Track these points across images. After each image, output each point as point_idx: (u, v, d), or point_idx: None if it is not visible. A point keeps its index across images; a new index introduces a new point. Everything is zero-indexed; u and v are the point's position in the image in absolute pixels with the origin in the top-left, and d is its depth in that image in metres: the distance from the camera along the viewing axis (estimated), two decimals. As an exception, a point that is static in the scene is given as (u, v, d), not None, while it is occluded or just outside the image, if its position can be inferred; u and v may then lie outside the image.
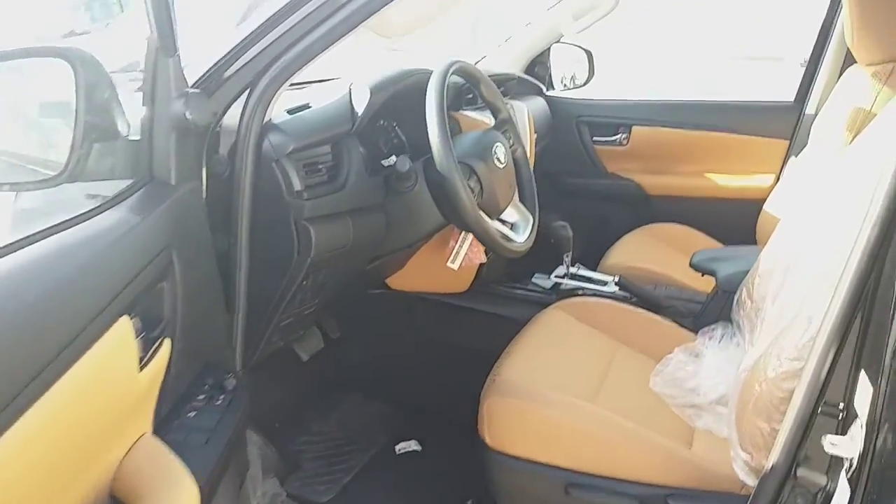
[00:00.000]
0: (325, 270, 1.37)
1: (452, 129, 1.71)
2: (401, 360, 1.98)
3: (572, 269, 2.02)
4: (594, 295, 1.89)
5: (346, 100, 1.38)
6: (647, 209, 2.58)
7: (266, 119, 1.22)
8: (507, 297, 1.96)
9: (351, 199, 1.35)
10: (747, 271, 1.59)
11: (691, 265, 1.78)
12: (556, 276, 1.99)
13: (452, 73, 1.42)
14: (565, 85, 2.76)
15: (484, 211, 1.42)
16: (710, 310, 1.75)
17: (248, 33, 1.16)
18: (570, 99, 2.64)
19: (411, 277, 1.86)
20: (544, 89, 2.54)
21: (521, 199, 1.62)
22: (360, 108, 1.37)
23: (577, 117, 2.59)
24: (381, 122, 1.60)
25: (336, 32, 1.16)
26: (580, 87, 2.70)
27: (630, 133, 2.54)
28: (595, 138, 2.60)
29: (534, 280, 2.01)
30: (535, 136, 2.17)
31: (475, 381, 1.41)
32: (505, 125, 1.60)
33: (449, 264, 1.73)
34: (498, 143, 1.47)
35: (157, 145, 0.98)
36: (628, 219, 2.61)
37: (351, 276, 1.54)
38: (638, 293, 1.84)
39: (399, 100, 1.47)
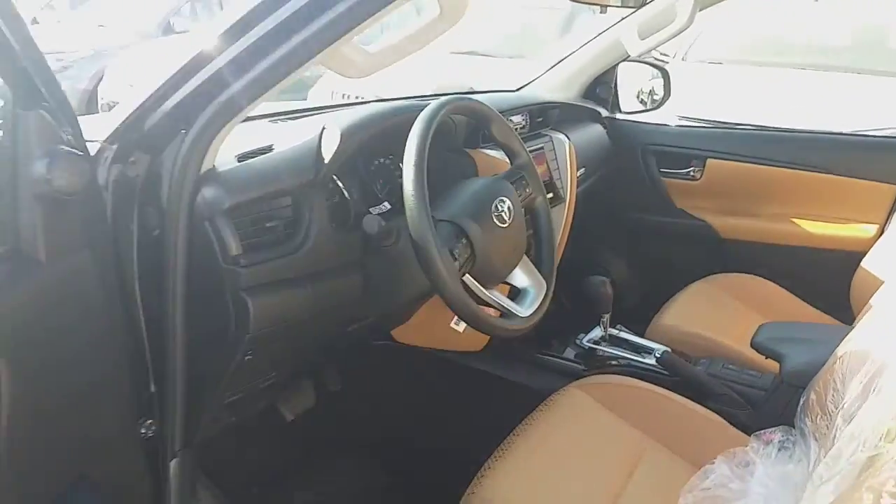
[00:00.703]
0: (278, 344, 1.16)
1: (467, 170, 1.46)
2: (403, 421, 1.75)
3: (613, 331, 1.72)
4: (629, 367, 1.59)
5: (314, 143, 1.16)
6: (718, 255, 2.23)
7: (205, 168, 1.02)
8: (528, 363, 1.69)
9: (311, 262, 1.13)
10: (822, 363, 1.27)
11: (753, 345, 1.45)
12: (590, 341, 1.70)
13: (449, 113, 1.18)
14: (643, 101, 2.44)
15: (478, 280, 1.17)
16: (771, 405, 1.42)
17: (183, 64, 0.96)
18: (636, 123, 2.32)
19: (418, 331, 1.63)
20: (604, 113, 2.23)
21: (537, 262, 1.35)
22: (327, 154, 1.15)
23: (643, 146, 2.27)
24: (381, 160, 1.38)
25: (291, 61, 0.94)
26: (656, 107, 2.37)
27: (704, 166, 2.19)
28: (663, 170, 2.27)
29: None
30: (579, 171, 1.89)
31: (481, 457, 1.21)
32: (520, 172, 1.33)
33: (453, 325, 1.49)
34: (502, 198, 1.21)
35: (21, 214, 0.80)
36: (696, 264, 2.26)
37: (325, 341, 1.32)
38: (684, 373, 1.52)
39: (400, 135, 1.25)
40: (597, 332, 1.72)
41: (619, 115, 2.34)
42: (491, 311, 1.21)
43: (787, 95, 3.34)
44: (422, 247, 1.04)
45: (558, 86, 2.23)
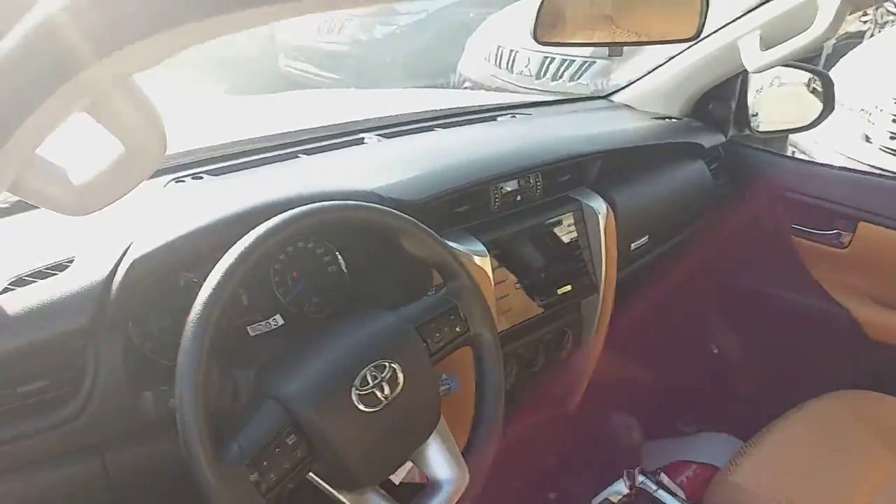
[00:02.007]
0: None
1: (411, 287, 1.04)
2: None
3: (644, 485, 1.23)
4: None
5: (109, 268, 0.83)
6: (860, 361, 1.56)
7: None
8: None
9: (99, 427, 0.81)
10: None
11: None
12: (609, 496, 1.22)
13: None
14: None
15: (336, 486, 0.78)
16: None
17: None
18: (770, 154, 1.67)
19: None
20: (712, 141, 1.62)
21: (473, 428, 0.92)
22: (115, 285, 0.81)
23: (775, 189, 1.63)
24: (304, 243, 1.02)
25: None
26: (806, 127, 1.71)
27: (855, 231, 1.52)
28: (795, 226, 1.62)
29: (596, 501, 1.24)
30: (637, 242, 1.36)
31: None
32: (450, 301, 0.90)
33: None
34: (379, 362, 0.80)
35: None
36: (824, 369, 1.62)
37: None
38: None
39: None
40: (619, 488, 1.23)
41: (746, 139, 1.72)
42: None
43: None
44: (184, 440, 0.69)
45: (656, 98, 1.67)
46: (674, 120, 1.66)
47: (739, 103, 1.68)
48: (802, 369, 1.71)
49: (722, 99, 1.65)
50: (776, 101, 1.77)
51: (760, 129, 1.73)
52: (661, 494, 1.20)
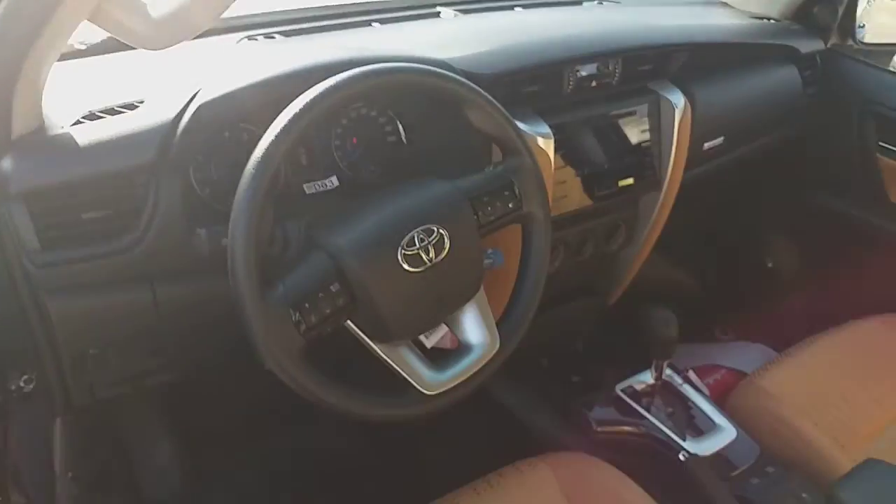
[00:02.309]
0: (126, 347, 0.96)
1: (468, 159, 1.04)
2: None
3: (670, 378, 1.26)
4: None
5: (176, 111, 0.85)
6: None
7: (22, 128, 0.80)
8: (536, 394, 1.31)
9: (149, 263, 0.88)
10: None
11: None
12: (626, 390, 1.26)
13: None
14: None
15: (371, 336, 0.84)
16: None
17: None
18: (867, 66, 1.56)
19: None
20: (811, 47, 1.51)
21: (509, 305, 0.95)
22: (180, 127, 0.84)
23: (864, 102, 1.53)
24: (367, 110, 1.03)
25: None
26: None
27: (947, 155, 1.43)
28: (884, 144, 1.53)
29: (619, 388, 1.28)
30: (712, 142, 1.32)
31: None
32: (505, 177, 0.90)
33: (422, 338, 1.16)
34: (428, 226, 0.82)
35: None
36: (875, 294, 1.59)
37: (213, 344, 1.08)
38: (701, 490, 1.06)
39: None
40: (645, 377, 1.27)
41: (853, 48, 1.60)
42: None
43: None
44: (232, 276, 0.74)
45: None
46: (772, 21, 1.55)
47: (847, 9, 1.55)
48: (855, 292, 1.67)
49: (828, 3, 1.53)
50: (887, 13, 1.63)
51: (865, 39, 1.61)
52: (686, 389, 1.24)
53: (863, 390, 1.20)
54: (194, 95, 0.86)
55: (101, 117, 0.86)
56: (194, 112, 0.85)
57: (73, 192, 0.82)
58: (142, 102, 0.88)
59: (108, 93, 0.90)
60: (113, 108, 0.87)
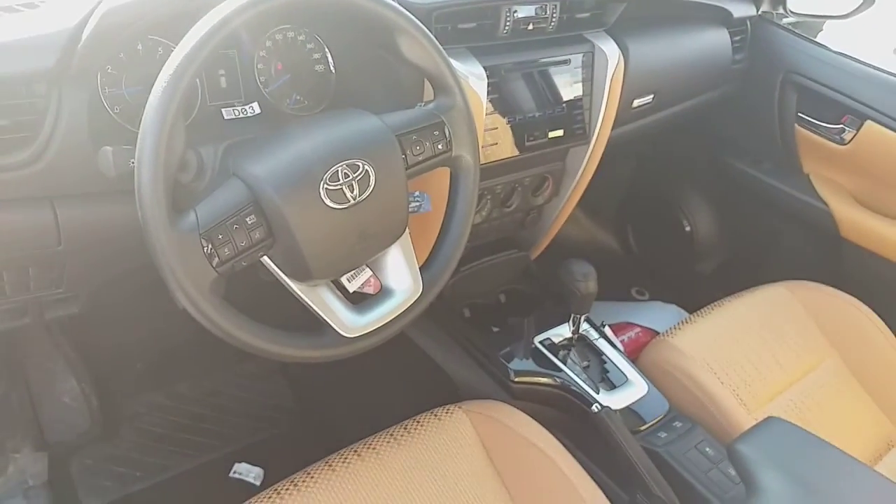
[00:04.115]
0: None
1: (401, 96, 1.00)
2: None
3: (587, 332, 1.28)
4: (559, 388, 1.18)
5: (81, 14, 0.77)
6: (825, 257, 1.60)
7: None
8: (460, 345, 1.30)
9: (53, 178, 0.80)
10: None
11: (729, 452, 0.97)
12: (545, 342, 1.26)
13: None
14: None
15: (289, 275, 0.79)
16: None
17: None
18: (793, 36, 1.59)
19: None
20: (742, 11, 1.52)
21: (434, 248, 0.93)
22: (84, 33, 0.76)
23: (786, 72, 1.57)
24: (295, 33, 0.97)
25: None
26: (844, 16, 1.62)
27: (860, 129, 1.48)
28: (803, 115, 1.58)
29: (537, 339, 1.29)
30: (641, 99, 1.32)
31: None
32: (436, 116, 0.86)
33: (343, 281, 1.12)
34: (353, 161, 0.77)
35: None
36: (789, 259, 1.66)
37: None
38: (610, 441, 1.08)
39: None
40: (562, 331, 1.27)
41: (782, 19, 1.63)
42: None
43: None
44: (140, 200, 0.68)
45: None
46: (709, -19, 1.56)
47: (781, -24, 1.57)
48: (767, 256, 1.75)
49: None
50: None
51: (794, 9, 1.64)
52: (601, 343, 1.25)
53: (767, 353, 1.24)
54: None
55: None
56: (100, 17, 0.76)
57: None
58: (43, 2, 0.79)
59: None
60: (11, 6, 0.78)
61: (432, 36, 0.84)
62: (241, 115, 0.95)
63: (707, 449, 1.11)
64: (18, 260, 0.85)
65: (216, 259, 0.71)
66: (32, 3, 0.80)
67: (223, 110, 0.94)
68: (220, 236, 0.71)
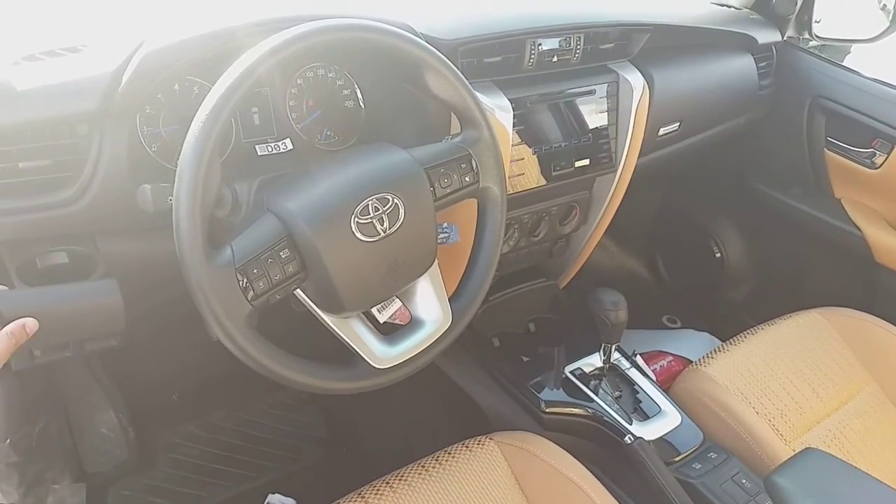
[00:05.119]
0: None
1: (425, 130, 1.02)
2: None
3: (619, 361, 1.27)
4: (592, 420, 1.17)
5: (122, 58, 0.80)
6: (860, 283, 1.57)
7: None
8: (488, 374, 1.30)
9: (95, 215, 0.83)
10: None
11: (766, 484, 0.95)
12: (576, 372, 1.26)
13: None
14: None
15: (322, 307, 0.81)
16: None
17: None
18: (820, 61, 1.58)
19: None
20: (767, 38, 1.52)
21: (462, 280, 0.94)
22: (125, 75, 0.79)
23: (814, 97, 1.56)
24: (325, 70, 0.99)
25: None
26: (872, 39, 1.61)
27: (891, 153, 1.47)
28: (832, 139, 1.57)
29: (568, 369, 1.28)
30: (668, 127, 1.33)
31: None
32: (463, 150, 0.88)
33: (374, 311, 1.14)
34: (383, 195, 0.79)
35: None
36: (823, 285, 1.63)
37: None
38: (644, 475, 1.06)
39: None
40: (593, 360, 1.27)
41: (808, 43, 1.63)
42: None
43: None
44: (177, 236, 0.70)
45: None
46: (733, 8, 1.56)
47: (805, 3, 1.57)
48: (800, 283, 1.72)
49: (788, -8, 1.54)
50: (842, 9, 1.66)
51: (820, 34, 1.63)
52: (633, 373, 1.24)
53: (802, 381, 1.22)
54: (141, 43, 0.81)
55: (41, 59, 0.80)
56: (140, 61, 0.80)
57: (9, 139, 0.76)
58: (85, 46, 0.83)
59: (50, 34, 0.84)
60: (53, 51, 0.81)
61: (458, 71, 0.86)
62: (274, 151, 0.97)
63: (743, 481, 1.08)
64: None
65: (251, 293, 0.72)
66: (75, 47, 0.84)
67: (257, 146, 0.97)
68: (255, 270, 0.72)
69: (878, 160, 1.49)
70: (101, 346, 1.00)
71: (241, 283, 0.71)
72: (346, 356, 0.84)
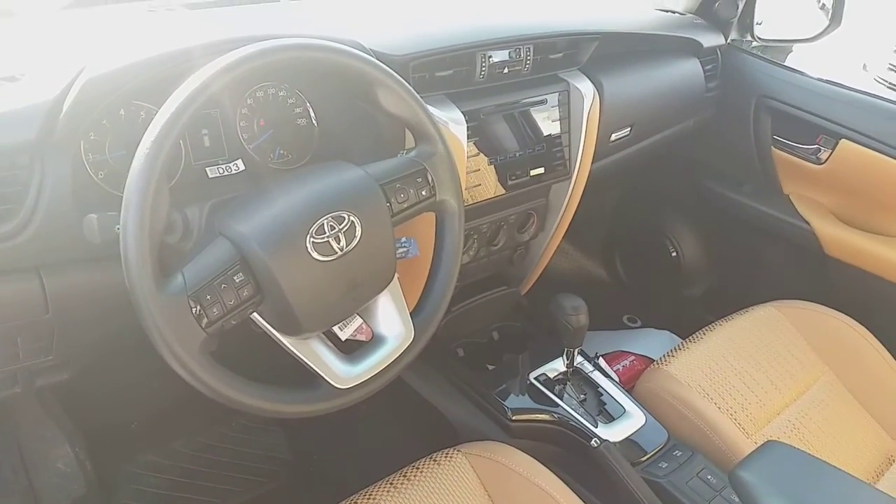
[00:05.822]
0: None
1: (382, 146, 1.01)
2: None
3: (582, 365, 1.28)
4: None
5: (62, 85, 0.78)
6: (811, 276, 1.61)
7: None
8: (453, 384, 1.30)
9: (40, 247, 0.80)
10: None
11: (731, 478, 0.97)
12: (540, 378, 1.26)
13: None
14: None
15: (279, 329, 0.79)
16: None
17: None
18: (763, 62, 1.62)
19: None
20: (712, 41, 1.56)
21: (423, 293, 0.93)
22: (66, 104, 0.77)
23: (759, 97, 1.60)
24: (276, 90, 0.98)
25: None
26: (810, 39, 1.66)
27: (835, 148, 1.51)
28: (778, 137, 1.61)
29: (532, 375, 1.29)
30: (620, 132, 1.35)
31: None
32: (418, 164, 0.88)
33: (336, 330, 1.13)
34: (339, 213, 0.79)
35: None
36: (776, 279, 1.68)
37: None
38: (612, 477, 1.07)
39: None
40: (557, 365, 1.28)
41: (751, 45, 1.67)
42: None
43: None
44: (126, 265, 0.68)
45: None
46: (677, 14, 1.60)
47: (746, 6, 1.61)
48: (755, 278, 1.76)
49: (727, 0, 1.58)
50: (783, 11, 1.71)
51: (762, 35, 1.68)
52: (596, 376, 1.26)
53: (761, 374, 1.25)
54: (82, 70, 0.79)
55: None
56: (81, 87, 0.78)
57: None
58: (23, 75, 0.80)
59: None
60: None
61: (410, 87, 0.86)
62: (226, 173, 0.96)
63: (709, 477, 1.10)
64: (6, 331, 0.85)
65: (205, 319, 0.71)
66: (13, 76, 0.81)
67: (207, 169, 0.95)
68: (209, 296, 0.71)
69: (823, 156, 1.54)
70: (51, 381, 0.97)
71: (194, 310, 0.70)
72: (307, 377, 0.83)
